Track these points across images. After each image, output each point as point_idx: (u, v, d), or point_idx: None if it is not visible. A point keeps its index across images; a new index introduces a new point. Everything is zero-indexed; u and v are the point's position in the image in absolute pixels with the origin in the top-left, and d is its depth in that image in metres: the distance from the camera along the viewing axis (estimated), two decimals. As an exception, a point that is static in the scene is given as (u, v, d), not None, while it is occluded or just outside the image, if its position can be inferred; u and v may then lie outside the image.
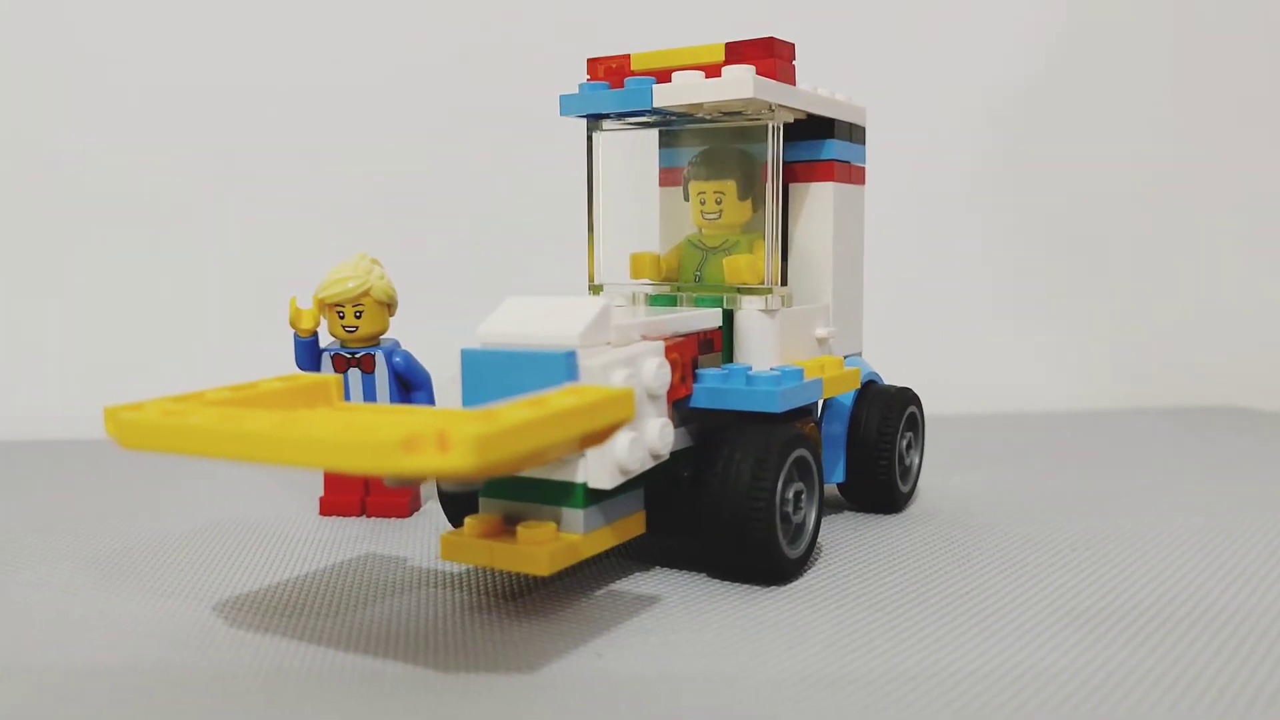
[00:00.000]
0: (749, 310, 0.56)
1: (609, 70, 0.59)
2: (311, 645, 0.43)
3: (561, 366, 0.46)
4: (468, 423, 0.34)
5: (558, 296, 0.51)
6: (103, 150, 0.98)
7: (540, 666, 0.40)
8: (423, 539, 0.58)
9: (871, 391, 0.63)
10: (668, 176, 0.65)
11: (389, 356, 0.62)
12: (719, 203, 0.60)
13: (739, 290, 0.57)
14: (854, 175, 0.64)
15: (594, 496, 0.48)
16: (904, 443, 0.63)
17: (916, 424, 0.65)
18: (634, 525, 0.51)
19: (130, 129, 0.98)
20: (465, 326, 0.94)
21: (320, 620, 0.46)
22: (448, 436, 0.33)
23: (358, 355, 0.62)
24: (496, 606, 0.47)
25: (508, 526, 0.48)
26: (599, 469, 0.46)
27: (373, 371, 0.62)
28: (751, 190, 0.60)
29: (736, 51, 0.56)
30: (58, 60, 0.97)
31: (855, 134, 0.64)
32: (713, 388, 0.52)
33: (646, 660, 0.41)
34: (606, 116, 0.59)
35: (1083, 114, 1.07)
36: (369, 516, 0.63)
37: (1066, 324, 1.08)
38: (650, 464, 0.49)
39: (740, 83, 0.53)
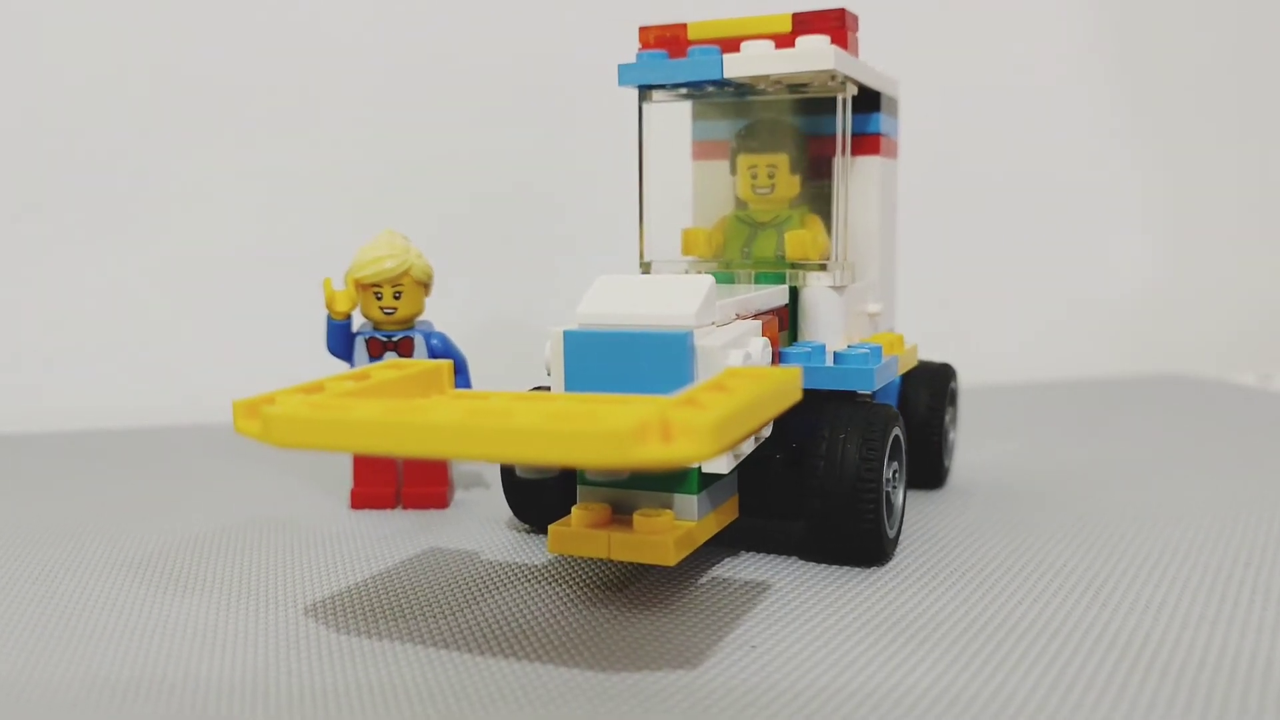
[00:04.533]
0: (817, 287, 0.55)
1: (662, 39, 0.57)
2: (442, 650, 0.40)
3: (679, 347, 0.44)
4: (685, 411, 0.32)
5: (652, 275, 0.49)
6: (110, 128, 0.90)
7: (698, 663, 0.39)
8: (478, 531, 0.56)
9: (917, 367, 0.63)
10: (702, 150, 0.63)
11: (428, 339, 0.59)
12: (771, 176, 0.58)
13: (794, 265, 0.56)
14: (893, 149, 0.63)
15: (705, 482, 0.46)
16: (947, 418, 0.63)
17: (955, 399, 0.66)
18: (731, 510, 0.50)
19: (129, 100, 0.90)
20: (488, 307, 0.92)
21: (432, 622, 0.43)
22: (681, 425, 0.31)
23: (395, 339, 0.58)
24: (609, 600, 0.45)
25: (618, 516, 0.46)
26: (714, 453, 0.44)
27: (411, 355, 0.58)
28: (802, 164, 0.58)
29: (805, 22, 0.55)
30: (63, 36, 0.89)
31: (894, 107, 0.63)
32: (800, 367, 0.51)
33: (802, 650, 0.40)
34: (660, 87, 0.57)
35: (1084, 90, 1.10)
36: (405, 509, 0.60)
37: (1045, 295, 1.10)
38: (753, 447, 0.47)
39: (820, 54, 0.52)
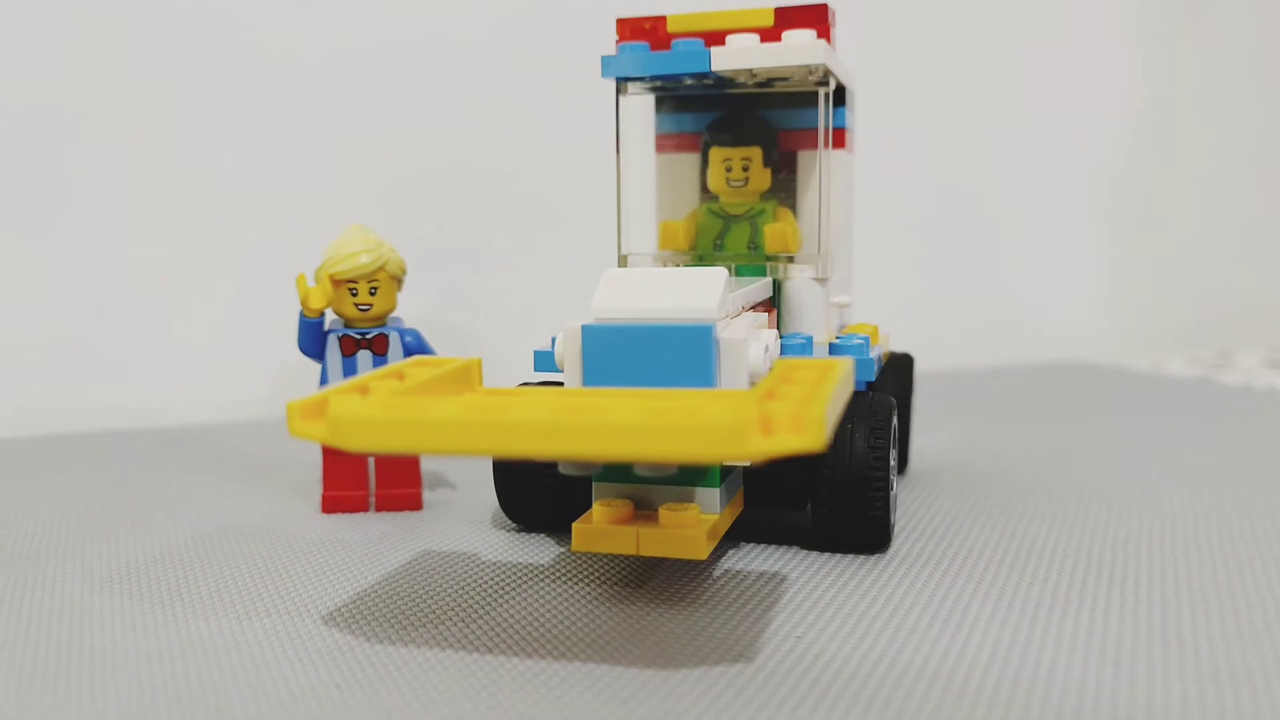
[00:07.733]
0: (801, 279, 0.56)
1: (641, 31, 0.57)
2: (478, 654, 0.39)
3: (702, 340, 0.44)
4: (791, 402, 0.32)
5: (660, 268, 0.49)
6: (34, 129, 0.84)
7: (750, 657, 0.39)
8: (464, 531, 0.54)
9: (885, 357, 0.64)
10: (665, 143, 0.63)
11: (402, 336, 0.57)
12: (745, 169, 0.58)
13: (770, 258, 0.56)
14: (853, 143, 0.64)
15: (723, 475, 0.46)
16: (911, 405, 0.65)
17: (913, 387, 0.67)
18: (740, 502, 0.50)
19: (58, 99, 0.84)
20: (454, 302, 0.89)
21: (458, 627, 0.42)
22: (787, 419, 0.31)
23: (369, 336, 0.56)
24: (633, 596, 0.45)
25: (640, 511, 0.45)
26: (736, 446, 0.44)
27: (385, 353, 0.57)
28: (774, 156, 0.59)
29: (788, 16, 0.55)
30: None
31: (854, 102, 0.64)
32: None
33: (848, 640, 0.40)
34: (639, 80, 0.57)
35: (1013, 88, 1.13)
36: (379, 511, 0.58)
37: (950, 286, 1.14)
38: (764, 438, 0.47)
39: (809, 49, 0.52)
